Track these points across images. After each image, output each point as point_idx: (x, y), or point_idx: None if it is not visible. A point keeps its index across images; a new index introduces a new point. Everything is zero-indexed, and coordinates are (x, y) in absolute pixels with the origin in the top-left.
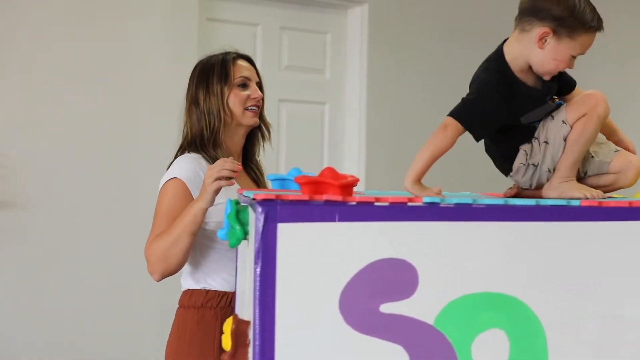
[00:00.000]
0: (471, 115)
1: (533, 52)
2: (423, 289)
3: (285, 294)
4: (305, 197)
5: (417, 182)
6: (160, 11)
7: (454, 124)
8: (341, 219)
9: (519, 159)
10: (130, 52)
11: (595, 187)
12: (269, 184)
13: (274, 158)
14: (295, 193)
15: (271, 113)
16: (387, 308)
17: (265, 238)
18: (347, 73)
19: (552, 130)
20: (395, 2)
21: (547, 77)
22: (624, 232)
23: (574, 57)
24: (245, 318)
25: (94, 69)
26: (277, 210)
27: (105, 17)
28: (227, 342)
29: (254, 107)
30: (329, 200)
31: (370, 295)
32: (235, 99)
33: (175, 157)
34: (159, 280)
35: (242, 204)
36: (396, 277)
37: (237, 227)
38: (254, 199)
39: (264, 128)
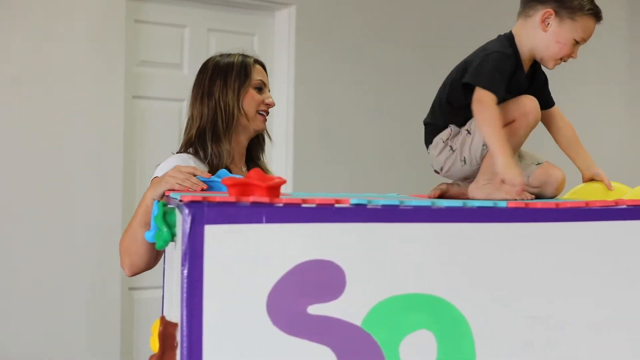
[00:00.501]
0: (494, 79)
1: (537, 36)
2: (350, 290)
3: (213, 296)
4: (232, 199)
5: (512, 160)
6: (87, 13)
7: (479, 95)
8: (268, 221)
9: (442, 135)
10: (57, 53)
11: None
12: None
13: None
14: (222, 195)
15: None
16: (314, 309)
17: (193, 240)
18: (275, 74)
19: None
20: (323, 3)
21: (551, 65)
22: (550, 233)
23: (576, 42)
24: (173, 320)
25: (20, 71)
26: (204, 212)
27: (31, 19)
28: (154, 345)
29: (264, 113)
30: (256, 201)
31: (298, 297)
32: (250, 100)
33: (181, 150)
34: (130, 276)
35: (169, 205)
36: (323, 278)
37: (165, 229)
38: (181, 201)
39: (267, 134)
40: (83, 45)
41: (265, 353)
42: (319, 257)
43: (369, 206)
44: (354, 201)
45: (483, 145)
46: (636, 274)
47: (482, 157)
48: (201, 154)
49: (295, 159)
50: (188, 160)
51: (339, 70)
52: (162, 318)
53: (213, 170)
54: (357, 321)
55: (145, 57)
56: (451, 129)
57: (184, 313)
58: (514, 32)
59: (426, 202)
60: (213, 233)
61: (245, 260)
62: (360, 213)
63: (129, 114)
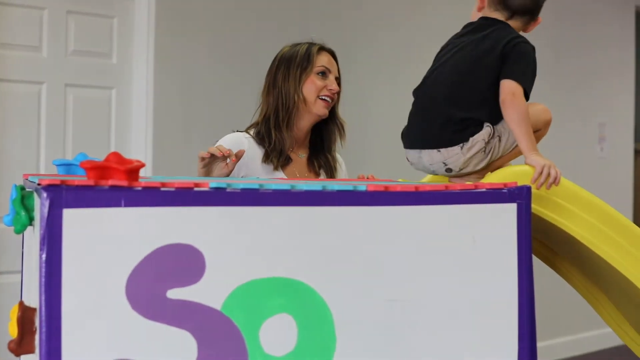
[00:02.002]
0: (530, 81)
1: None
2: (210, 274)
3: (72, 280)
4: (91, 182)
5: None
6: None
7: (519, 90)
8: (127, 204)
9: (482, 135)
10: None
11: None
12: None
13: (60, 143)
14: (81, 178)
15: (57, 98)
16: (174, 294)
17: (51, 224)
18: (134, 57)
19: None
20: None
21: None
22: (410, 217)
23: None
24: (32, 305)
25: None
26: (62, 196)
27: None
28: (13, 330)
29: (327, 98)
30: (115, 185)
31: (157, 281)
32: (311, 86)
33: (247, 129)
34: None
35: (27, 189)
36: (183, 262)
37: (22, 213)
38: (39, 185)
39: (338, 122)
40: None
41: (124, 338)
42: (178, 241)
43: (228, 189)
44: (213, 184)
45: (510, 150)
46: (494, 257)
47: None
48: (266, 140)
49: (155, 142)
50: (242, 139)
51: (200, 51)
52: (21, 303)
53: (276, 155)
54: (217, 305)
55: (3, 39)
56: (491, 128)
57: (43, 298)
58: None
59: (285, 186)
60: (71, 217)
61: (104, 244)
62: (220, 196)
63: None
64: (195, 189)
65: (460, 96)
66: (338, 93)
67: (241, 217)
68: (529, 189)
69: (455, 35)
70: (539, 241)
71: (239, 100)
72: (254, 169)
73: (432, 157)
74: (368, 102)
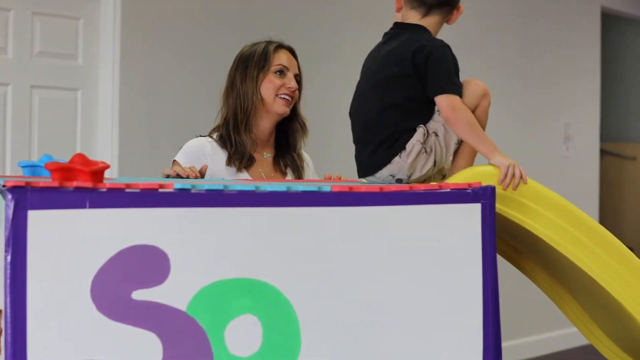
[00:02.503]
0: (459, 83)
1: (439, 26)
2: (175, 275)
3: (37, 282)
4: (56, 184)
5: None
6: None
7: (456, 100)
8: (92, 206)
9: (417, 137)
10: None
11: None
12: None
13: (25, 145)
14: (46, 180)
15: (23, 100)
16: (139, 295)
17: (16, 225)
18: (100, 59)
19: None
20: None
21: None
22: (374, 217)
23: None
24: None
25: None
26: (27, 197)
27: None
28: None
29: (286, 96)
30: (80, 186)
31: (122, 282)
32: (269, 85)
33: (209, 133)
34: None
35: None
36: (148, 263)
37: None
38: (3, 186)
39: (299, 120)
40: None
41: (90, 339)
42: (143, 242)
43: (192, 191)
44: (177, 186)
45: (455, 143)
46: (459, 256)
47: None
48: (227, 143)
49: (121, 143)
50: (205, 144)
51: (165, 53)
52: None
53: (239, 157)
54: (182, 306)
55: None
56: (424, 129)
57: (8, 300)
58: (422, 27)
59: (250, 187)
60: (36, 218)
61: (69, 245)
62: (184, 198)
63: None
64: (160, 190)
65: (384, 116)
66: (299, 91)
67: (206, 218)
68: (493, 189)
69: (377, 44)
70: (504, 241)
71: (204, 102)
72: (218, 173)
73: (381, 175)
74: (336, 101)
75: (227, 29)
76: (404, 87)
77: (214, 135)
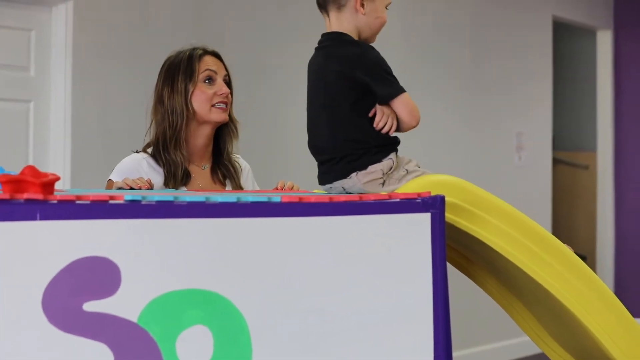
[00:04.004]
0: (396, 80)
1: (357, 20)
2: (126, 286)
3: None
4: (6, 196)
5: None
6: None
7: (406, 100)
8: (43, 218)
9: (383, 166)
10: None
11: None
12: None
13: None
14: None
15: None
16: (90, 306)
17: None
18: (52, 70)
19: None
20: None
21: (373, 40)
22: (324, 227)
23: (386, 7)
24: None
25: None
26: None
27: None
28: None
29: (221, 104)
30: (30, 198)
31: (73, 294)
32: (201, 97)
33: (143, 149)
34: None
35: None
36: (99, 275)
37: None
38: None
39: (232, 125)
40: None
41: (41, 351)
42: (94, 253)
43: (143, 202)
44: (128, 197)
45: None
46: (409, 266)
47: None
48: (159, 161)
49: (74, 155)
50: (140, 160)
51: (118, 64)
52: None
53: (172, 178)
54: (133, 317)
55: None
56: (392, 160)
57: None
58: (336, 28)
59: (200, 198)
60: None
61: (21, 257)
62: (135, 209)
63: None
64: (111, 201)
65: (338, 132)
66: (230, 93)
67: (156, 229)
68: (442, 198)
69: (313, 55)
70: (455, 250)
71: None
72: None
73: (335, 186)
74: (288, 107)
75: (180, 40)
76: (348, 99)
77: (149, 150)
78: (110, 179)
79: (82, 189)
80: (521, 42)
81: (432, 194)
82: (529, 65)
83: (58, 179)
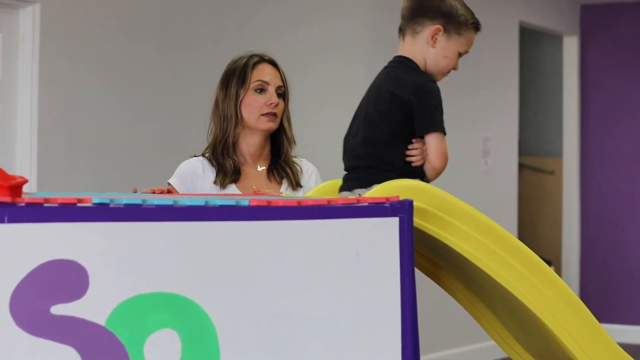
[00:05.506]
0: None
1: (427, 52)
2: (94, 289)
3: None
4: None
5: None
6: None
7: (445, 142)
8: (10, 221)
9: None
10: None
11: None
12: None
13: None
14: None
15: None
16: (58, 310)
17: None
18: (19, 73)
19: None
20: (67, 1)
21: (440, 78)
22: (292, 231)
23: (460, 55)
24: None
25: None
26: None
27: None
28: None
29: (270, 114)
30: None
31: (41, 297)
32: (251, 105)
33: (203, 153)
34: None
35: None
36: (66, 278)
37: None
38: None
39: (286, 132)
40: None
41: (8, 354)
42: (61, 257)
43: (111, 205)
44: (96, 200)
45: None
46: (377, 270)
47: None
48: (213, 163)
49: (40, 158)
50: (196, 163)
51: (84, 68)
52: None
53: (222, 176)
54: (101, 321)
55: None
56: None
57: None
58: (406, 54)
59: (168, 201)
60: None
61: None
62: (103, 212)
63: None
64: (79, 204)
65: (372, 146)
66: (285, 100)
67: (124, 232)
68: (410, 203)
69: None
70: (423, 255)
71: (123, 118)
72: (209, 191)
73: (353, 194)
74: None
75: (146, 45)
76: (393, 120)
77: (207, 154)
78: (169, 182)
79: (48, 191)
80: (488, 47)
81: (400, 198)
82: (495, 70)
83: (26, 181)
